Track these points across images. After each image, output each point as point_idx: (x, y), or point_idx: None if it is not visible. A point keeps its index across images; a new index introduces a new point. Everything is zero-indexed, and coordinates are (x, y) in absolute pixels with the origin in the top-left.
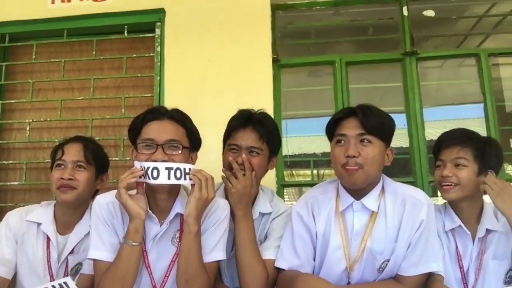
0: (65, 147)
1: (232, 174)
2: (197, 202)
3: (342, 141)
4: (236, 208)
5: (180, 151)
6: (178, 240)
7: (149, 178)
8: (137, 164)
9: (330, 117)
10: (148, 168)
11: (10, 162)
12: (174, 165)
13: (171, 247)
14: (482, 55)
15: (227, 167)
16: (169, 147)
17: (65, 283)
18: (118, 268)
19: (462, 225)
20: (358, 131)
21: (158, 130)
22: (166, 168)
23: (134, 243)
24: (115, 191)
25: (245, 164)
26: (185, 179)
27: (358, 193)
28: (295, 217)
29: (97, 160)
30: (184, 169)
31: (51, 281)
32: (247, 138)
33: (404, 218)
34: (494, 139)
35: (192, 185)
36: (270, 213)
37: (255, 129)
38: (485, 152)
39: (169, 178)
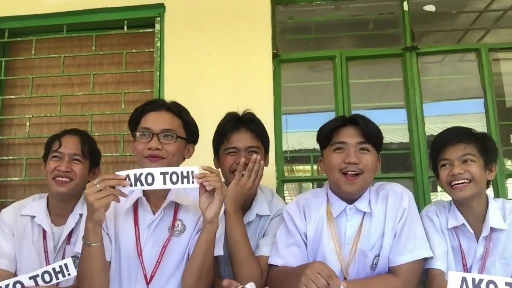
0: (62, 139)
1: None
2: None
3: (342, 149)
4: (230, 203)
5: (174, 141)
6: (172, 229)
7: (142, 185)
8: (122, 173)
9: (330, 113)
10: (141, 174)
11: (10, 157)
12: (169, 169)
13: (166, 234)
14: (483, 50)
15: (229, 171)
16: (164, 136)
17: (65, 265)
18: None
19: (466, 223)
20: (358, 139)
21: (154, 120)
22: (161, 173)
23: (94, 244)
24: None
25: (249, 165)
26: (182, 182)
27: (349, 198)
28: (287, 218)
29: (92, 154)
30: (182, 172)
31: None
32: (244, 139)
33: (388, 211)
34: (488, 134)
35: (201, 188)
36: (268, 216)
37: (249, 129)
38: (487, 146)
39: (164, 183)
